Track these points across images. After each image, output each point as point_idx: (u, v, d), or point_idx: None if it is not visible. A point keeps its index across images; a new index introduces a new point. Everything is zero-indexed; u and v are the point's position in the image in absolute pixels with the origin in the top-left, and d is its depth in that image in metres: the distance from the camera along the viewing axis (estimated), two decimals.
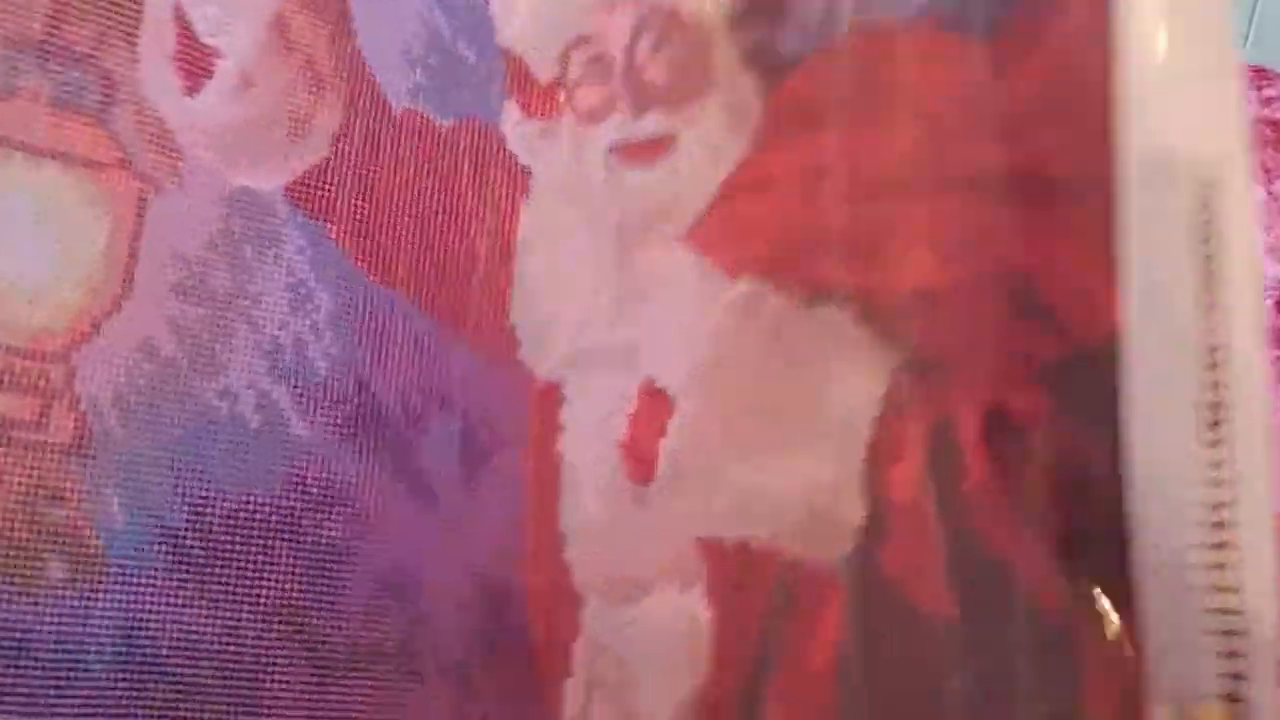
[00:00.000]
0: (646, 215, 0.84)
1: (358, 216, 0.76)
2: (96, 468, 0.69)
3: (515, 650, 0.77)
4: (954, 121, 0.86)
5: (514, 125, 0.83)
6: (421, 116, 0.80)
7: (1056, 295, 0.81)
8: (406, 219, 0.77)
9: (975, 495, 0.78)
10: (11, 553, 0.68)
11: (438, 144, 0.80)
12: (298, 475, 0.73)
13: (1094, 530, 0.73)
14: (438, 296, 0.78)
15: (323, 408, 0.74)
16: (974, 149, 0.85)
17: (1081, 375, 0.78)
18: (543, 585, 0.78)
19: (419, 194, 0.78)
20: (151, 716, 0.70)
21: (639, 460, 0.80)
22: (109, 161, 0.71)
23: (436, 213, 0.79)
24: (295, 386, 0.73)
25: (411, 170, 0.78)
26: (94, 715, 0.69)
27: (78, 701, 0.68)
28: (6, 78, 0.69)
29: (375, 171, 0.78)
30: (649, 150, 0.85)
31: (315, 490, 0.73)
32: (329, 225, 0.76)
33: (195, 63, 0.75)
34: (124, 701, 0.70)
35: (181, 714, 0.71)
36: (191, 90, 0.75)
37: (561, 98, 0.83)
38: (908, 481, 0.78)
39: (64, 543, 0.69)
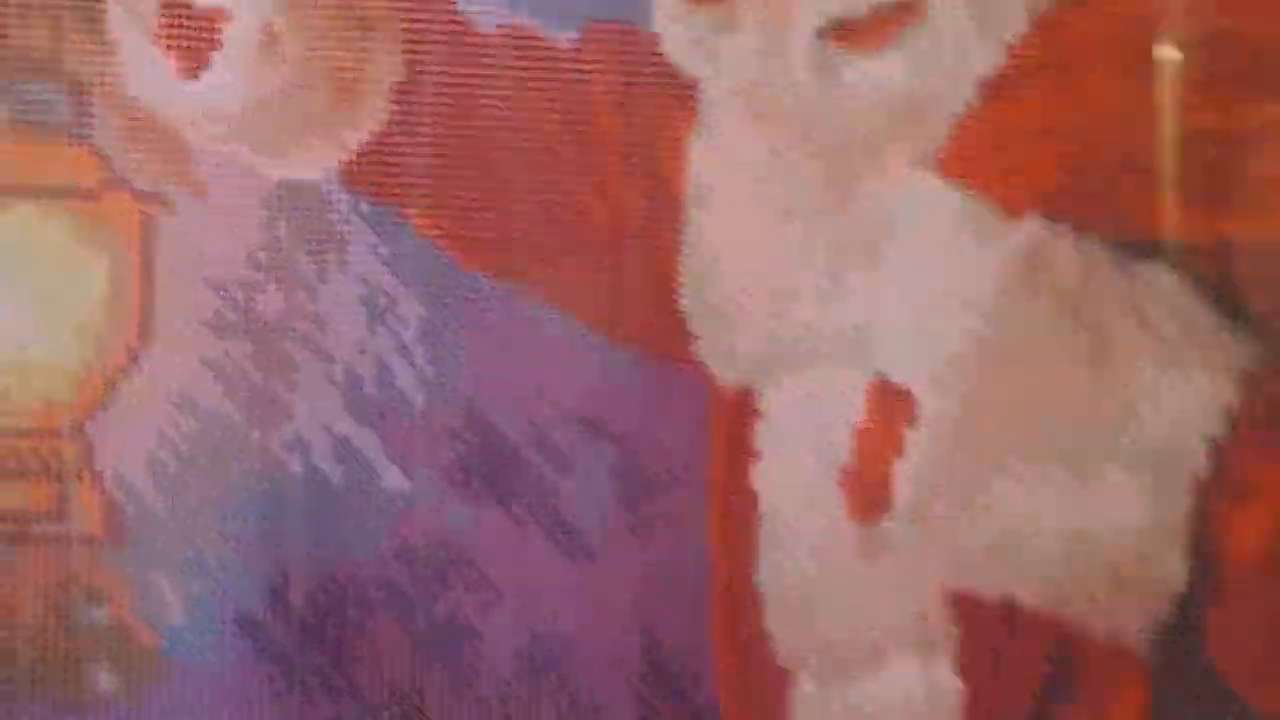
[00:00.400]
0: (879, 129, 0.59)
1: (446, 193, 0.56)
2: (137, 555, 0.57)
3: None
4: None
5: (671, 20, 0.60)
6: (527, 32, 0.60)
7: None
8: (517, 184, 0.56)
9: None
10: (49, 665, 0.59)
11: (556, 67, 0.59)
12: (400, 538, 0.57)
13: None
14: (573, 282, 0.56)
15: (424, 450, 0.56)
16: None
17: None
18: (736, 661, 0.59)
19: (534, 145, 0.57)
20: None
21: (867, 491, 0.60)
22: (95, 184, 0.55)
23: (562, 167, 0.57)
24: (385, 427, 0.56)
25: (520, 113, 0.56)
26: None
27: None
28: None
29: (464, 126, 0.57)
30: (882, 27, 0.58)
31: (424, 554, 0.57)
32: (407, 210, 0.56)
33: (190, 34, 0.56)
34: None
35: None
36: (192, 70, 0.56)
37: None
38: (1258, 530, 0.57)
39: (111, 647, 0.59)
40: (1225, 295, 0.56)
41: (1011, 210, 0.57)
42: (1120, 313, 0.57)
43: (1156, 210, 0.56)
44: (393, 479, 0.59)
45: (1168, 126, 0.55)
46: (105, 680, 0.58)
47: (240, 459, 0.59)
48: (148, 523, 0.58)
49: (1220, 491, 0.57)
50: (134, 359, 0.57)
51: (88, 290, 0.55)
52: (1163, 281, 0.57)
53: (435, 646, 0.61)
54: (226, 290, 0.57)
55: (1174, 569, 0.58)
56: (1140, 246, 0.57)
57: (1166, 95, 0.55)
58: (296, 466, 0.59)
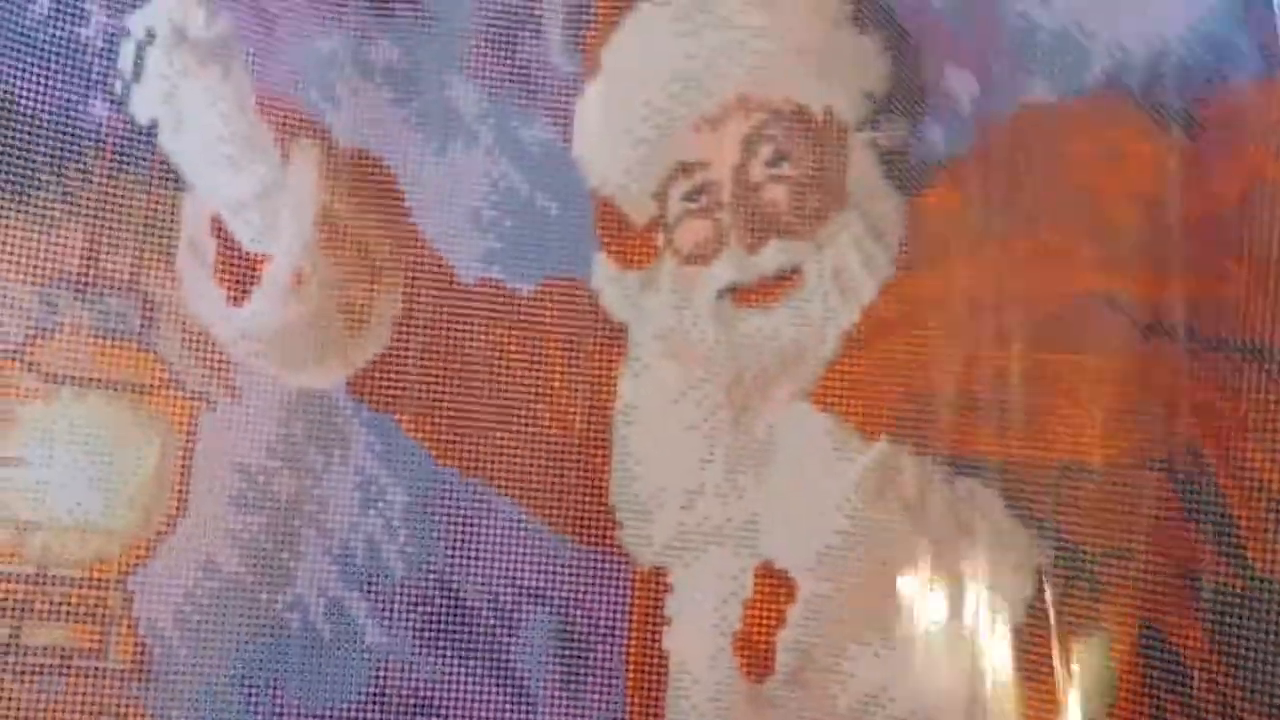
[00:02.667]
0: (767, 368, 0.75)
1: (430, 403, 0.72)
2: (160, 690, 0.69)
3: None
4: (1138, 244, 0.72)
5: (608, 279, 0.76)
6: (498, 285, 0.74)
7: (1238, 502, 0.69)
8: (487, 399, 0.72)
9: None
10: None
11: (519, 313, 0.74)
12: (377, 685, 0.70)
13: None
14: (527, 480, 0.72)
15: (401, 612, 0.71)
16: (1160, 283, 0.71)
17: (1256, 613, 0.67)
18: None
19: (500, 370, 0.73)
20: None
21: (754, 654, 0.73)
22: (155, 383, 0.70)
23: (522, 388, 0.73)
24: (370, 591, 0.71)
25: (489, 345, 0.73)
26: None
27: None
28: (47, 315, 0.69)
29: (447, 352, 0.73)
30: (770, 289, 0.76)
31: (396, 700, 0.70)
32: (398, 416, 0.72)
33: (239, 272, 0.72)
34: None
35: None
36: (238, 300, 0.72)
37: (660, 241, 0.75)
38: (1046, 709, 0.70)
39: None
40: (1022, 506, 0.71)
41: (868, 434, 0.74)
42: (948, 518, 0.72)
43: (973, 436, 0.73)
44: (374, 636, 0.73)
45: (982, 369, 0.74)
46: None
47: (250, 616, 0.73)
48: (171, 664, 0.71)
49: (1019, 670, 0.70)
50: (172, 527, 0.71)
51: (141, 468, 0.71)
52: (979, 493, 0.72)
53: None
54: (250, 474, 0.73)
55: None
56: (964, 464, 0.73)
57: (980, 342, 0.74)
58: (295, 623, 0.73)
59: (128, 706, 0.68)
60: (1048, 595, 0.70)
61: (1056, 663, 0.69)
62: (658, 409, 0.75)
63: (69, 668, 0.68)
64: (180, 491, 0.70)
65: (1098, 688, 0.68)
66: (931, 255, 0.72)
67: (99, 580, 0.69)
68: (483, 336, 0.74)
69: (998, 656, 0.70)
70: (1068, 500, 0.71)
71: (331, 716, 0.71)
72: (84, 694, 0.69)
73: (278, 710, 0.70)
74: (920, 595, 0.72)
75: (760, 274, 0.75)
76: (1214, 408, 0.67)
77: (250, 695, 0.70)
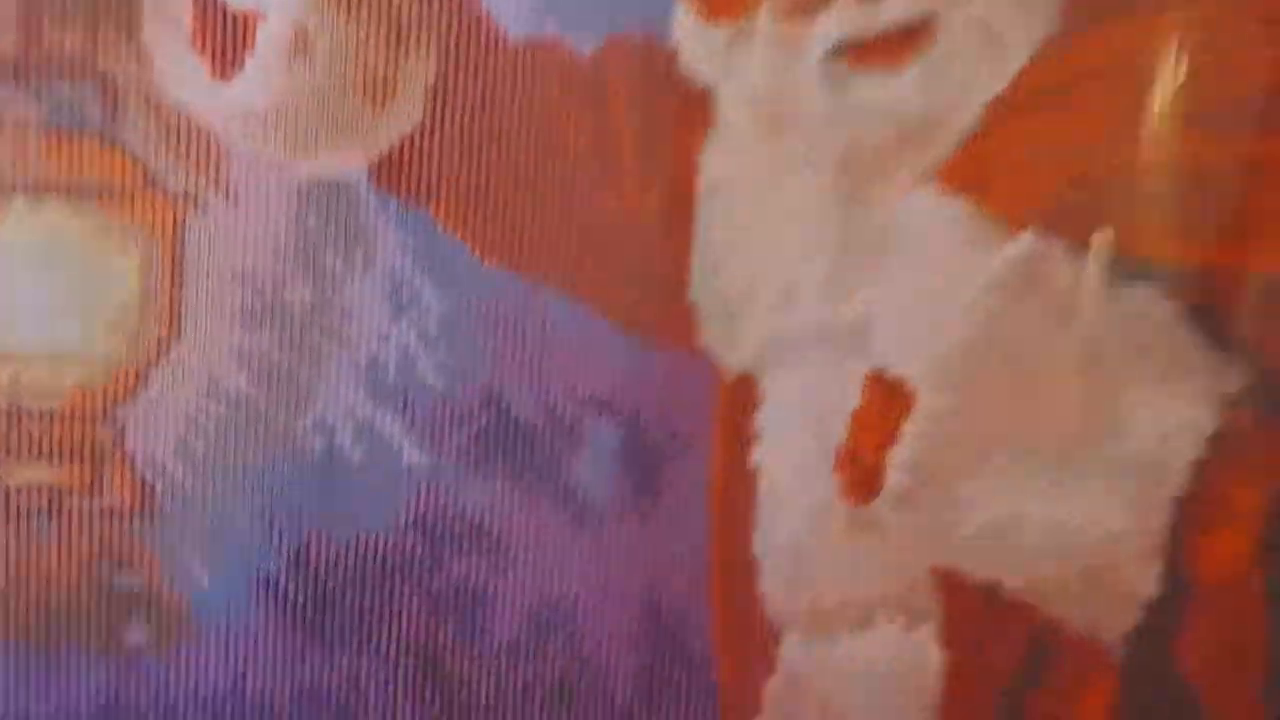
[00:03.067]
0: (888, 143, 0.61)
1: (470, 190, 0.58)
2: (167, 527, 0.61)
3: (695, 690, 0.65)
4: None
5: (689, 34, 0.61)
6: (553, 42, 0.59)
7: None
8: (541, 183, 0.58)
9: None
10: (85, 623, 0.63)
11: (578, 76, 0.59)
12: (417, 510, 0.61)
13: None
14: (590, 276, 0.60)
15: (442, 430, 0.60)
16: None
17: None
18: (731, 619, 0.64)
19: (556, 147, 0.59)
20: None
21: (859, 473, 0.64)
22: (128, 185, 0.56)
23: (583, 168, 0.59)
24: (405, 410, 0.60)
25: (543, 118, 0.58)
26: None
27: None
28: None
29: (491, 128, 0.58)
30: (894, 47, 0.60)
31: (439, 524, 0.61)
32: (433, 208, 0.58)
33: (225, 37, 0.57)
34: None
35: None
36: (225, 72, 0.57)
37: None
38: (1230, 556, 0.60)
39: (141, 608, 0.63)
40: (1213, 322, 0.59)
41: (1011, 224, 0.60)
42: (1110, 329, 0.60)
43: (1150, 234, 0.59)
44: (412, 456, 0.62)
45: (1166, 153, 0.58)
46: (138, 637, 0.61)
47: (266, 442, 0.61)
48: (177, 499, 0.61)
49: (1197, 512, 0.60)
50: (164, 350, 0.58)
51: (120, 285, 0.57)
52: (1153, 303, 0.59)
53: (449, 608, 0.65)
54: (255, 284, 0.59)
55: (1147, 578, 0.61)
56: (1134, 268, 0.59)
57: (1167, 123, 0.58)
58: (320, 447, 0.62)
59: (133, 547, 0.59)
60: (1237, 429, 0.58)
61: (1243, 505, 0.60)
62: (750, 191, 0.62)
63: (60, 508, 0.59)
64: (171, 310, 0.57)
65: None
66: (1106, 8, 0.58)
67: (82, 413, 0.60)
68: (535, 107, 0.60)
69: (1162, 494, 0.60)
70: (1275, 319, 0.58)
71: (365, 542, 0.62)
72: (81, 535, 0.62)
73: (303, 539, 0.61)
74: (1068, 417, 0.61)
75: (882, 26, 0.60)
76: None
77: (272, 526, 0.61)
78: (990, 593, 0.63)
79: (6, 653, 0.59)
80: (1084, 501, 0.61)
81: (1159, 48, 0.57)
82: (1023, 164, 0.60)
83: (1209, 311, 0.58)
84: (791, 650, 0.66)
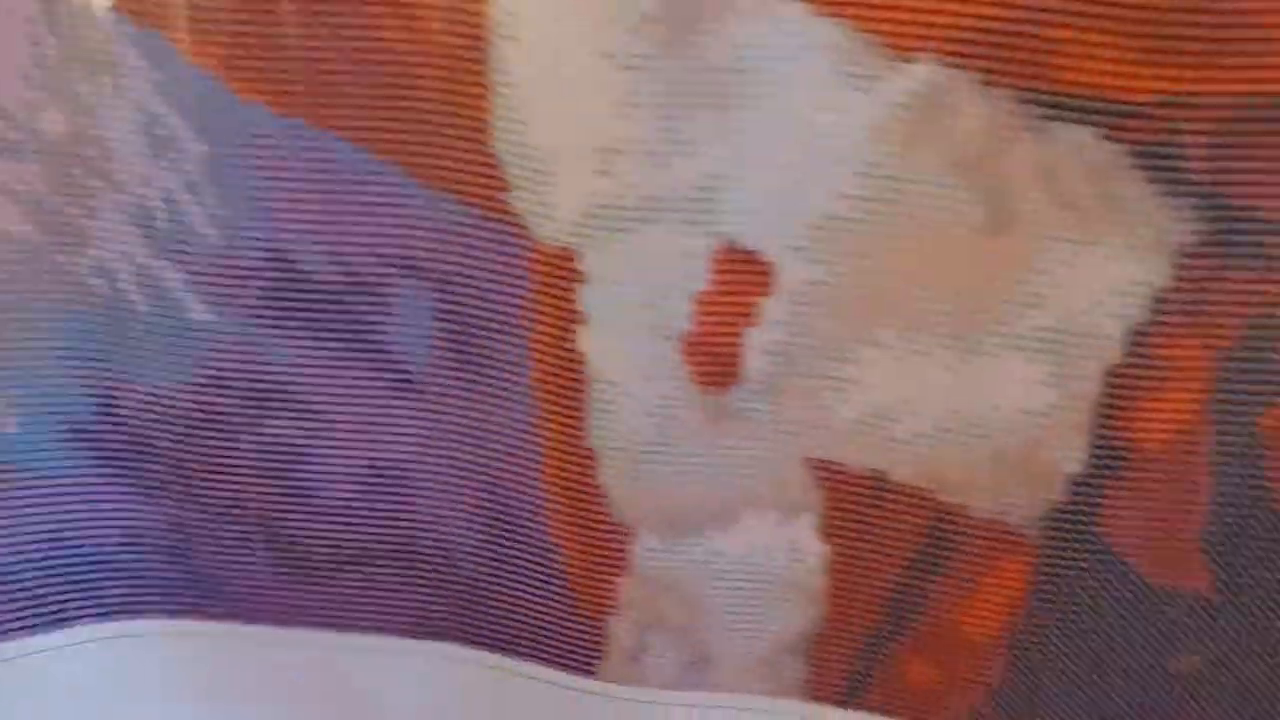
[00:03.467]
0: None
1: (215, 13, 0.50)
2: None
3: (540, 577, 0.59)
4: None
5: None
6: None
7: None
8: (301, 8, 0.50)
9: (1275, 433, 0.52)
10: None
11: None
12: (214, 366, 0.56)
13: None
14: (373, 118, 0.51)
15: (226, 286, 0.55)
16: None
17: None
18: (570, 510, 0.57)
19: None
20: (104, 615, 0.65)
21: (712, 360, 0.54)
22: None
23: None
24: (181, 261, 0.55)
25: None
26: (35, 618, 0.64)
27: (10, 615, 0.64)
28: None
29: None
30: None
31: (242, 383, 0.57)
32: (172, 34, 0.51)
33: None
34: (67, 602, 0.64)
35: (138, 608, 0.65)
36: None
37: None
38: (1174, 419, 0.53)
39: None
40: (1163, 162, 0.46)
41: (902, 51, 0.47)
42: (1030, 180, 0.48)
43: (1087, 59, 0.45)
44: (199, 313, 0.55)
45: None
46: None
47: (49, 281, 0.55)
48: None
49: (1136, 377, 0.51)
50: None
51: None
52: (1087, 145, 0.47)
53: (268, 465, 0.59)
54: (7, 112, 0.52)
55: (1070, 455, 0.53)
56: (1064, 103, 0.46)
57: None
58: (104, 290, 0.56)
59: None
60: (1186, 284, 0.49)
61: (1191, 364, 0.51)
62: (554, 22, 0.49)
63: None
64: None
65: (1251, 387, 0.51)
66: None
67: None
68: None
69: (1092, 366, 0.51)
70: (1251, 150, 0.46)
71: (169, 394, 0.56)
72: None
73: (109, 386, 0.57)
74: (973, 286, 0.51)
75: None
76: None
77: (74, 370, 0.56)
78: (876, 481, 0.56)
79: None
80: (990, 381, 0.52)
81: None
82: None
83: (1159, 152, 0.47)
84: (647, 549, 0.59)
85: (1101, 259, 0.49)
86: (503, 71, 0.49)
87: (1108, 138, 0.46)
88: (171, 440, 0.58)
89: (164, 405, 0.57)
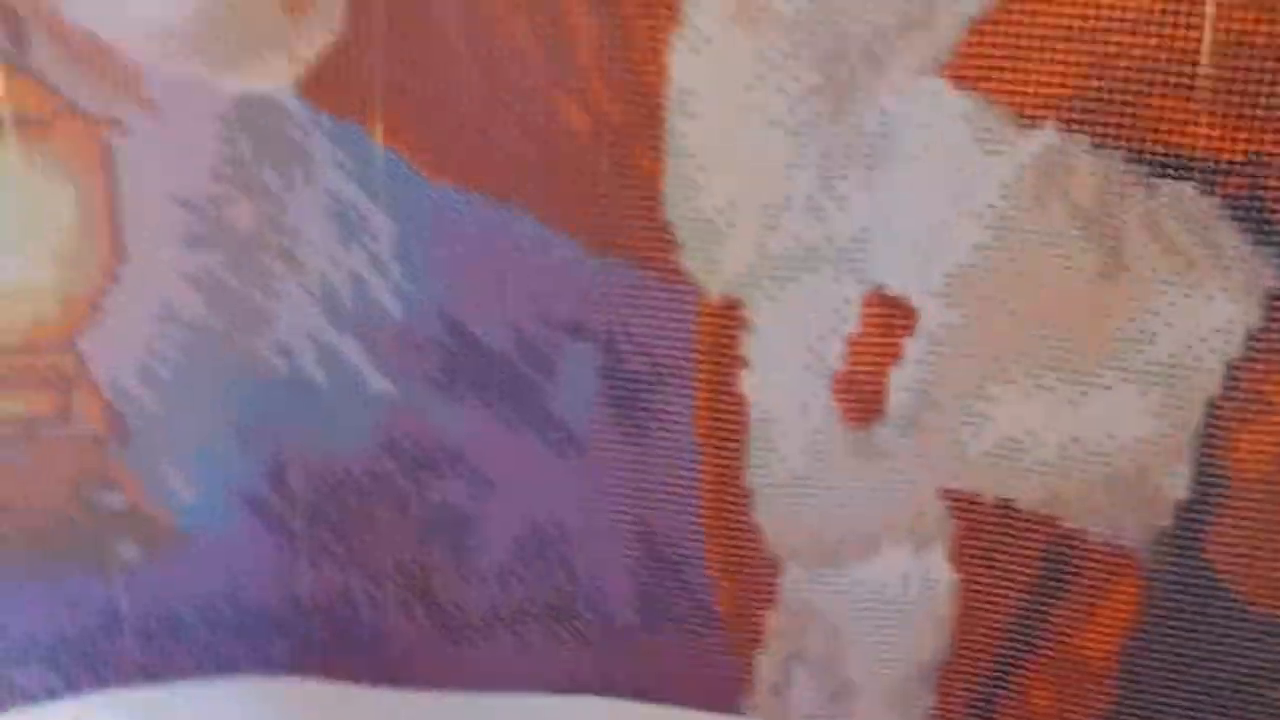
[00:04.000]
0: (881, 34, 0.53)
1: (409, 101, 0.54)
2: (142, 448, 0.61)
3: (695, 618, 0.62)
4: None
5: None
6: None
7: None
8: (484, 90, 0.54)
9: None
10: (75, 539, 0.64)
11: None
12: (387, 435, 0.59)
13: None
14: (550, 191, 0.55)
15: (405, 357, 0.58)
16: None
17: None
18: (726, 549, 0.61)
19: (502, 48, 0.54)
20: (271, 672, 0.67)
21: (860, 397, 0.59)
22: (46, 113, 0.55)
23: (533, 70, 0.54)
24: (364, 336, 0.58)
25: (485, 18, 0.53)
26: (209, 669, 0.67)
27: (188, 664, 0.66)
28: None
29: (423, 30, 0.54)
30: None
31: (413, 450, 0.60)
32: (368, 123, 0.55)
33: None
34: (239, 660, 0.67)
35: (304, 670, 0.67)
36: None
37: None
38: (1267, 449, 0.57)
39: (130, 524, 0.64)
40: (1256, 215, 0.52)
41: (1028, 118, 0.53)
42: (1139, 230, 0.53)
43: (1186, 124, 0.51)
44: (378, 384, 0.59)
45: (1203, 31, 0.48)
46: (129, 553, 0.61)
47: (229, 363, 0.59)
48: (147, 421, 0.60)
49: (1233, 409, 0.55)
50: (113, 277, 0.56)
51: (57, 216, 0.55)
52: (1187, 198, 0.52)
53: (432, 529, 0.62)
54: (194, 205, 0.56)
55: (1177, 480, 0.57)
56: (1167, 162, 0.52)
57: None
58: (284, 368, 0.59)
59: (112, 469, 0.59)
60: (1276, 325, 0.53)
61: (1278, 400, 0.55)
62: (726, 96, 0.55)
63: (34, 436, 0.59)
64: (113, 237, 0.55)
65: None
66: None
67: (42, 345, 0.60)
68: (476, 7, 0.54)
69: (1194, 397, 0.56)
70: None
71: (341, 464, 0.59)
72: (59, 460, 0.62)
73: (280, 458, 0.59)
74: (1092, 327, 0.56)
75: None
76: None
77: (248, 444, 0.60)
78: (1004, 510, 0.59)
79: (3, 579, 0.59)
80: (1106, 411, 0.57)
81: None
82: (1038, 50, 0.52)
83: (1248, 204, 0.52)
84: (793, 582, 0.63)
85: (1202, 300, 0.54)
86: (677, 143, 0.54)
87: (1205, 192, 0.52)
88: (340, 507, 0.61)
89: (336, 474, 0.61)
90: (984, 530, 0.60)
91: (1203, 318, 0.54)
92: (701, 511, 0.60)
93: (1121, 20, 0.49)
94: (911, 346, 0.57)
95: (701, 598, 0.62)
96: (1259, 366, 0.54)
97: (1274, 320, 0.54)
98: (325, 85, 0.54)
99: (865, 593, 0.62)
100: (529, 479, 0.60)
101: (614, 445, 0.59)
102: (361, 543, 0.62)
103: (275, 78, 0.54)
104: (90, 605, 0.62)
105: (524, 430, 0.59)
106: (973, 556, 0.61)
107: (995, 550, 0.60)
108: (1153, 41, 0.49)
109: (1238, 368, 0.55)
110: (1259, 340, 0.54)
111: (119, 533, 0.61)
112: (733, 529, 0.60)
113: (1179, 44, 0.48)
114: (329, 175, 0.55)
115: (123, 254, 0.56)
